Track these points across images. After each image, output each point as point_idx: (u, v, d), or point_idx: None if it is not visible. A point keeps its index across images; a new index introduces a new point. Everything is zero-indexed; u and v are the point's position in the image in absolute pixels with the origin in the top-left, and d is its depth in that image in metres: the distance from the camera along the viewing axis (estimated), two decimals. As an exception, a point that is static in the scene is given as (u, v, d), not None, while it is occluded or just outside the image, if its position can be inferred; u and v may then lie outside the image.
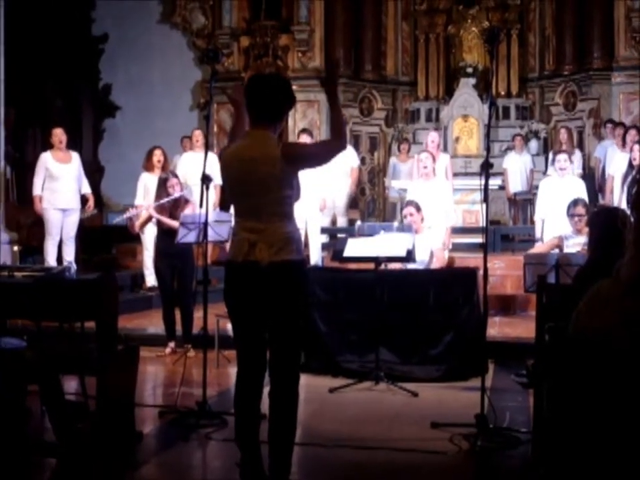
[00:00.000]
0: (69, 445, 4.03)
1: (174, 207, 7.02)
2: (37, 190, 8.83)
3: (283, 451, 3.50)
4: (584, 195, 7.75)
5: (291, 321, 3.52)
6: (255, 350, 3.58)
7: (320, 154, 3.66)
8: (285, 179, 3.46)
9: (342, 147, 3.61)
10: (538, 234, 8.04)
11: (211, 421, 4.73)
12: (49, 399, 4.17)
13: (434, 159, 8.11)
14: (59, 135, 8.94)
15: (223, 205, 9.10)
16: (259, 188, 3.45)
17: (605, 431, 1.58)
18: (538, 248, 7.33)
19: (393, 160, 12.50)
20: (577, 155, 11.57)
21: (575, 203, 6.97)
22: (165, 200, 7.03)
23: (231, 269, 3.58)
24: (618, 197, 8.59)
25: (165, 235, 6.95)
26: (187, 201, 7.14)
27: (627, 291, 1.57)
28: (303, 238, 9.20)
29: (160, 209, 7.06)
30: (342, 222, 10.94)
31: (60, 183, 8.80)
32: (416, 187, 8.12)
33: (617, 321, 1.56)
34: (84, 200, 9.13)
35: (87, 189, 9.13)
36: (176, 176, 7.31)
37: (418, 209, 7.10)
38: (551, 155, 11.53)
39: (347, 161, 10.56)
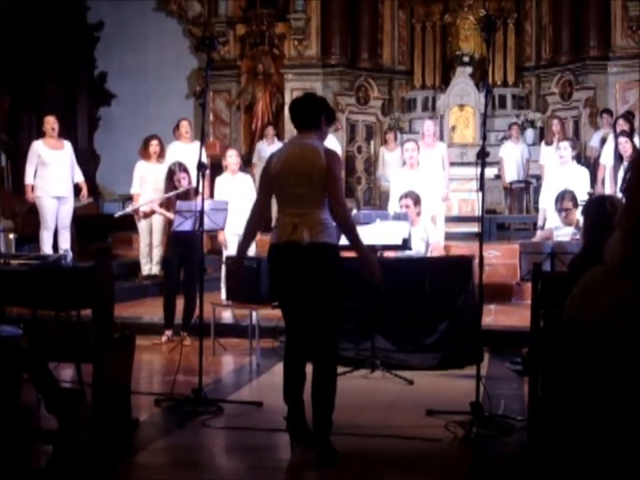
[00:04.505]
0: (67, 428, 4.04)
1: (184, 199, 6.94)
2: (28, 179, 8.72)
3: (326, 409, 4.00)
4: (586, 184, 7.70)
5: (328, 295, 4.03)
6: (301, 319, 4.09)
7: (336, 186, 4.10)
8: (325, 174, 4.04)
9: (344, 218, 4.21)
10: (540, 222, 8.05)
11: (207, 408, 4.76)
12: (42, 385, 4.17)
13: (418, 149, 8.06)
14: (51, 122, 8.86)
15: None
16: (308, 179, 4.04)
17: (600, 418, 1.59)
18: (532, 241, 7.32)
19: (382, 149, 12.49)
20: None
21: (562, 197, 6.90)
22: (171, 194, 7.03)
23: (275, 250, 4.11)
24: (608, 187, 8.57)
25: None
26: (197, 193, 7.08)
27: (615, 274, 1.58)
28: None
29: (167, 202, 7.08)
30: None
31: (52, 170, 8.69)
32: (400, 176, 8.14)
33: (610, 306, 1.57)
34: (77, 189, 9.06)
35: (79, 177, 9.04)
36: (183, 170, 7.10)
37: (416, 202, 6.97)
38: (543, 145, 11.51)
39: None
